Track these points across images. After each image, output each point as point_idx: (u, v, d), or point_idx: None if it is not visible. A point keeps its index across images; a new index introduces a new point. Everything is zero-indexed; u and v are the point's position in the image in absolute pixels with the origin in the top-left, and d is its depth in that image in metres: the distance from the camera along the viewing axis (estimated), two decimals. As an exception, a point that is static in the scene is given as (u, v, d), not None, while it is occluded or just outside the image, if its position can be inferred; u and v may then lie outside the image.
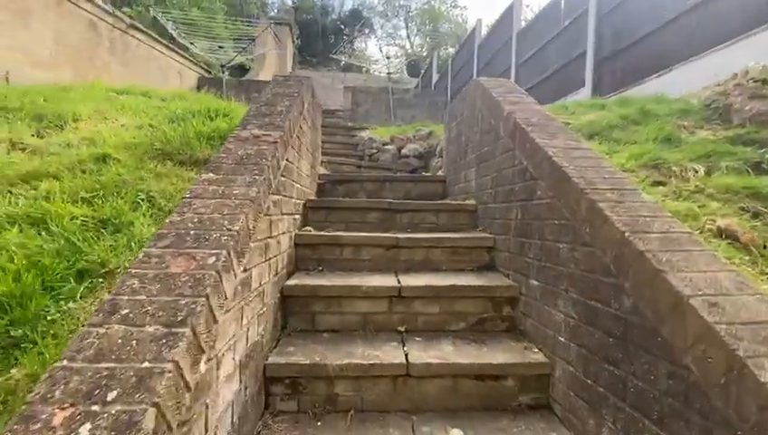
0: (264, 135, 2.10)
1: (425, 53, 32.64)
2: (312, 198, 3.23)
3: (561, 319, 1.69)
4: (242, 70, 16.38)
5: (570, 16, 6.20)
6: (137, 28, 8.97)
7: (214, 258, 1.23)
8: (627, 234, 1.32)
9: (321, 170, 4.13)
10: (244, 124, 2.21)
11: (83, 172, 2.55)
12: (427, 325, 2.16)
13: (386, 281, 2.24)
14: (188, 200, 1.53)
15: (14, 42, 6.25)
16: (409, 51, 34.85)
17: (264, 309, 1.77)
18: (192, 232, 1.34)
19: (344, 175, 4.03)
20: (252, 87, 11.87)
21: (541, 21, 7.20)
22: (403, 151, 5.59)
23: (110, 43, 8.33)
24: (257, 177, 1.77)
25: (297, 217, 2.66)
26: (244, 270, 1.46)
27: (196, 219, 1.41)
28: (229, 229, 1.37)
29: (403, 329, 2.12)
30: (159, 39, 9.66)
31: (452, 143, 3.89)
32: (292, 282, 2.21)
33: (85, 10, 7.69)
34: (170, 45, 9.95)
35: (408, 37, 35.98)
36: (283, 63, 18.81)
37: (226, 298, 1.24)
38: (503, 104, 2.61)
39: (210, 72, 11.89)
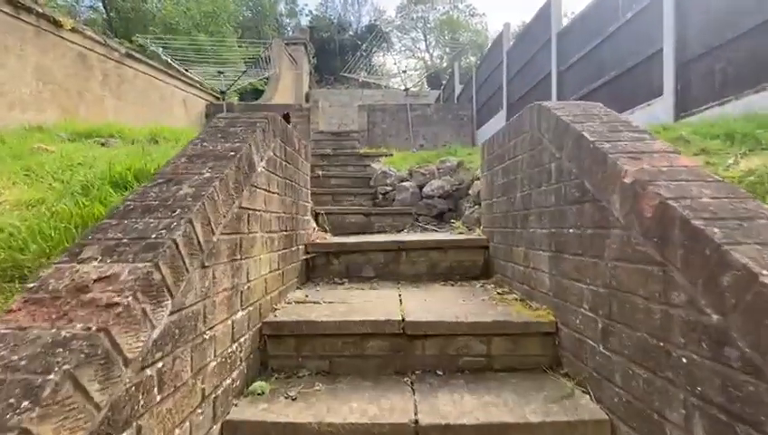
0: (102, 287, 0.92)
1: (445, 64, 31.47)
2: (276, 318, 2.03)
3: None
4: (257, 93, 15.72)
5: (633, 6, 4.82)
6: (133, 57, 8.23)
7: None
8: None
9: (313, 233, 2.94)
10: (80, 247, 1.04)
11: None
12: None
13: None
14: None
15: (-20, 82, 5.50)
16: (429, 63, 33.79)
17: None
18: None
19: (343, 246, 2.82)
20: (263, 110, 11.03)
21: (589, 16, 5.83)
22: (425, 190, 4.34)
23: (102, 75, 7.58)
24: None
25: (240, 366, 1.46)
26: None
27: None
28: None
29: None
30: (160, 67, 8.92)
31: (495, 192, 2.62)
32: None
33: (72, 42, 6.95)
34: (172, 73, 9.20)
35: (428, 49, 34.96)
36: (299, 84, 18.08)
37: None
38: (614, 160, 1.33)
39: (219, 99, 11.12)
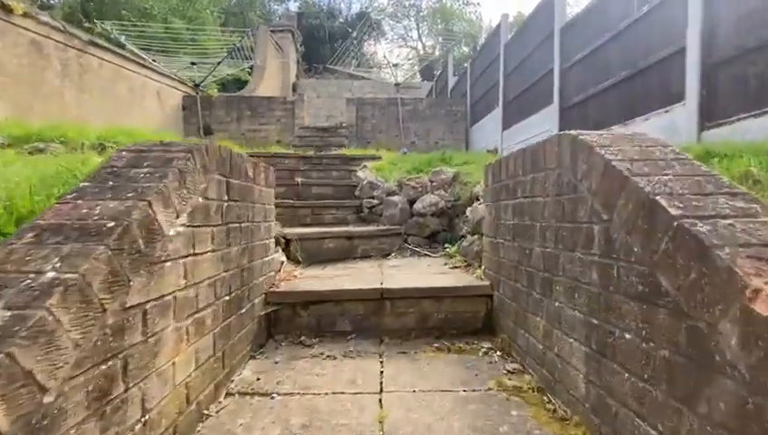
0: None
1: (437, 54, 30.65)
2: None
3: None
4: (241, 83, 14.88)
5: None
6: (97, 45, 7.44)
7: None
8: None
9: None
10: None
11: None
12: None
13: None
14: None
15: None
16: (421, 52, 32.90)
17: None
18: None
19: (313, 295, 2.27)
20: (244, 105, 10.30)
21: (597, 9, 5.26)
22: (416, 207, 3.79)
23: (61, 65, 6.81)
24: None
25: None
26: None
27: None
28: None
29: None
30: (128, 56, 8.13)
31: (503, 232, 2.09)
32: None
33: (24, 28, 6.18)
34: (144, 62, 8.41)
35: (420, 38, 34.06)
36: (285, 73, 17.24)
37: None
38: (726, 263, 0.80)
39: (198, 90, 10.33)
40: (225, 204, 1.67)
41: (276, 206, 4.37)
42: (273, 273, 2.37)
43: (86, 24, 7.12)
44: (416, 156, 6.19)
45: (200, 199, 1.42)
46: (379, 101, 10.52)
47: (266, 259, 2.24)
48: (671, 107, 3.92)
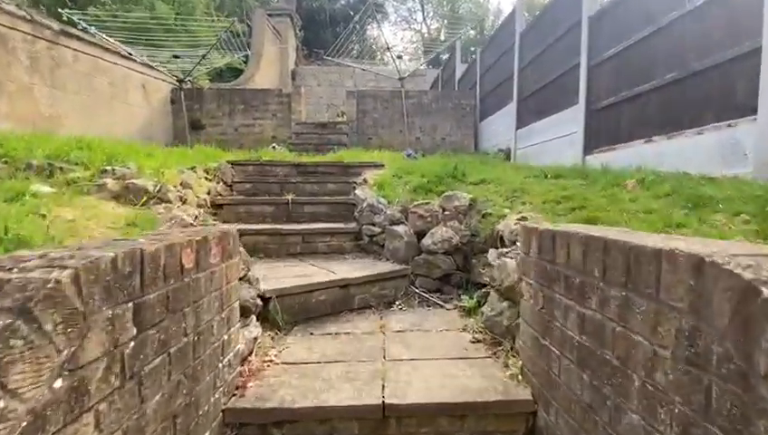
0: None
1: (443, 37, 29.36)
2: None
3: None
4: (236, 72, 14.01)
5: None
6: (70, 35, 6.68)
7: None
8: None
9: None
10: None
11: None
12: None
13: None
14: None
15: None
16: (426, 35, 31.56)
17: None
18: None
19: (286, 410, 1.65)
20: (237, 98, 9.53)
21: (634, -3, 4.47)
22: (426, 242, 3.13)
23: (30, 59, 6.09)
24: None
25: None
26: None
27: None
28: None
29: None
30: (108, 47, 7.37)
31: (558, 340, 1.45)
32: None
33: (-19, 16, 5.45)
34: (127, 53, 7.64)
35: (425, 20, 32.66)
36: (284, 60, 16.33)
37: None
38: None
39: (182, 85, 9.55)
40: (131, 344, 1.03)
41: (261, 233, 3.76)
42: (236, 372, 1.74)
43: (66, 12, 6.34)
44: (422, 163, 5.49)
45: (59, 383, 0.78)
46: (382, 94, 9.72)
47: (224, 362, 1.62)
48: (736, 121, 3.20)
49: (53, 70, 6.48)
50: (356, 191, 4.14)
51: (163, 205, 3.14)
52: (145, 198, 3.15)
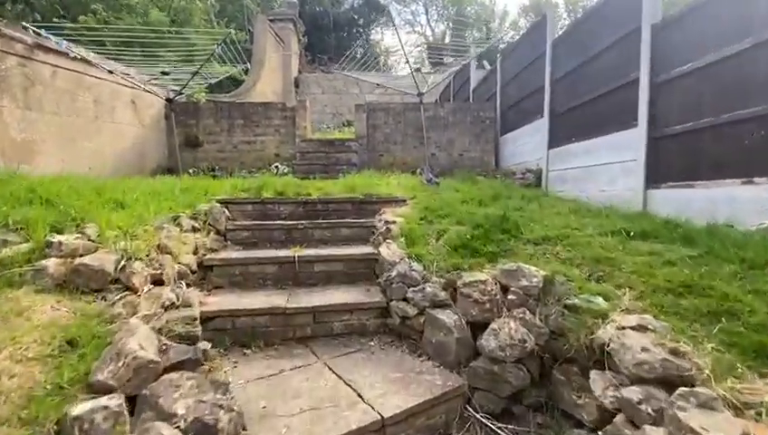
0: None
1: (447, 39, 28.44)
2: None
3: None
4: (236, 82, 13.12)
5: None
6: (47, 49, 5.82)
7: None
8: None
9: None
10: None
11: None
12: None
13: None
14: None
15: None
16: (431, 38, 30.65)
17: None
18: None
19: None
20: (236, 112, 8.65)
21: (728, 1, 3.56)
22: (487, 344, 2.23)
23: (-3, 77, 5.24)
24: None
25: None
26: None
27: None
28: None
29: None
30: (92, 60, 6.50)
31: None
32: None
33: (-66, 30, 4.59)
34: (107, 71, 6.77)
35: (429, 23, 31.76)
36: (287, 68, 15.46)
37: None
38: None
39: (182, 96, 8.67)
40: None
41: (259, 314, 2.64)
42: None
43: (32, 26, 5.47)
44: (452, 198, 4.59)
45: None
46: (394, 107, 8.82)
47: None
48: None
49: (27, 89, 5.62)
50: (380, 249, 3.25)
51: (127, 296, 2.26)
52: (101, 286, 2.27)
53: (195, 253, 3.28)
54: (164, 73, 5.67)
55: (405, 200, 4.57)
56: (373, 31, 26.17)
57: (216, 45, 5.27)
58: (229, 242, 3.79)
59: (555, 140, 6.39)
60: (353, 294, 3.04)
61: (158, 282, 2.62)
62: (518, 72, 7.98)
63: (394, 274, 2.84)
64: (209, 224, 3.79)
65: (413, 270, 2.82)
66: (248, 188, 5.11)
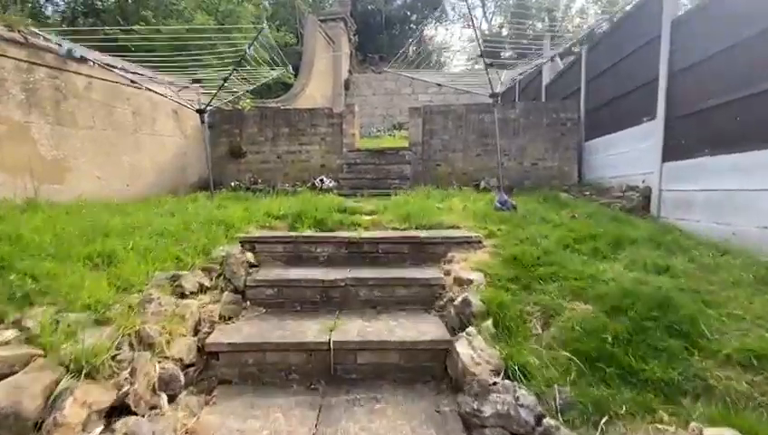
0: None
1: (505, 32, 26.24)
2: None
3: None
4: (285, 86, 12.51)
5: None
6: (83, 59, 5.33)
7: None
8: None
9: None
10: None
11: None
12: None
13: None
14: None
15: None
16: (487, 33, 28.56)
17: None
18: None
19: None
20: (281, 120, 7.86)
21: None
22: None
23: (24, 91, 4.77)
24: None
25: None
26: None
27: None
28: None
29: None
30: (129, 68, 5.98)
31: None
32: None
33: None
34: (152, 75, 6.23)
35: (485, 15, 29.63)
36: (337, 69, 14.68)
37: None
38: None
39: (232, 102, 8.07)
40: None
41: None
42: None
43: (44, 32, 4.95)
44: (540, 234, 3.28)
45: None
46: (456, 110, 7.54)
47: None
48: None
49: (59, 102, 5.15)
50: (457, 346, 2.07)
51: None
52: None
53: (195, 332, 2.33)
54: (196, 81, 4.92)
55: (480, 241, 3.34)
56: (426, 27, 24.77)
57: (247, 45, 4.38)
58: (248, 303, 2.82)
59: (675, 149, 4.77)
60: (414, 415, 1.91)
61: (123, 408, 1.68)
62: (613, 62, 6.34)
63: (487, 412, 1.66)
64: (225, 277, 2.85)
65: (521, 405, 1.62)
66: (284, 214, 4.18)
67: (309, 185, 6.95)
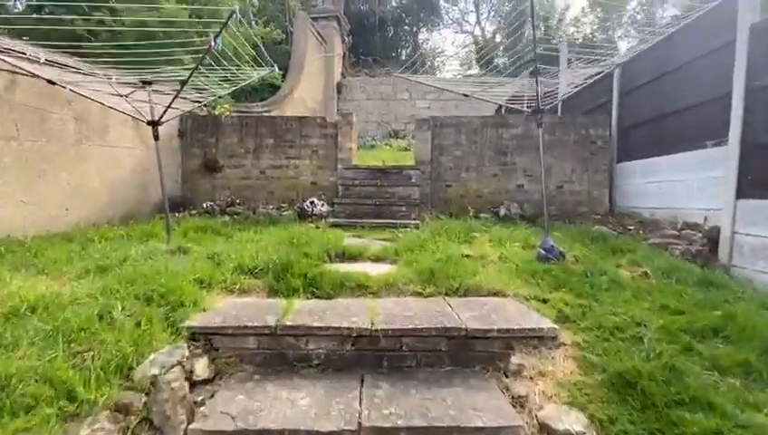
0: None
1: (498, 39, 25.44)
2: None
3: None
4: (272, 88, 11.20)
5: None
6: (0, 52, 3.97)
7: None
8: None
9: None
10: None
11: None
12: None
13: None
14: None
15: None
16: (480, 39, 27.71)
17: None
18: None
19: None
20: (264, 129, 6.61)
21: None
22: None
23: None
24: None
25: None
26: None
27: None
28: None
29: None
30: (71, 64, 4.65)
31: None
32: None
33: None
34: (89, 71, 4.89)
35: (479, 21, 28.77)
36: (329, 71, 13.43)
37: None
38: None
39: (207, 106, 6.76)
40: None
41: None
42: None
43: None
44: (632, 317, 2.17)
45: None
46: (470, 123, 6.43)
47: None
48: None
49: (-32, 106, 3.81)
50: None
51: None
52: None
53: None
54: (146, 83, 3.65)
55: (554, 337, 2.21)
56: (421, 32, 23.70)
57: (213, 37, 3.16)
58: (190, 471, 1.61)
59: (756, 184, 3.76)
60: None
61: None
62: (659, 74, 5.32)
63: None
64: (151, 425, 1.64)
65: None
66: (262, 266, 2.99)
67: (297, 208, 5.73)
